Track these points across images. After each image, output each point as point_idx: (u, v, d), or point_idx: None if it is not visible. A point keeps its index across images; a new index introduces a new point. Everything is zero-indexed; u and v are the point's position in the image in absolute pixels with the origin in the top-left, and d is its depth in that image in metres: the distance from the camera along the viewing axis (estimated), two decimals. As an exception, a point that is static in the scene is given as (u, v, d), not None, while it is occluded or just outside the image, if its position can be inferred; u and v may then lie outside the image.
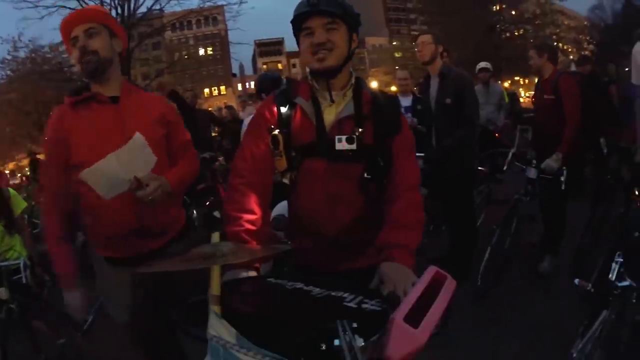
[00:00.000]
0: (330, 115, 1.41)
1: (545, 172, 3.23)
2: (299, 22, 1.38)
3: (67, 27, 1.67)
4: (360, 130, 1.37)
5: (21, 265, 2.32)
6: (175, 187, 1.68)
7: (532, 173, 3.33)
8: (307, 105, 1.41)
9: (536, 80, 3.95)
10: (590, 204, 4.14)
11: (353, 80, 1.44)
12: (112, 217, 1.66)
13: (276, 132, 1.39)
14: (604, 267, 2.01)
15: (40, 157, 14.15)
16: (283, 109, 1.42)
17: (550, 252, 3.55)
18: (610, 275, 1.82)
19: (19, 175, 21.02)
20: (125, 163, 1.59)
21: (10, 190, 2.79)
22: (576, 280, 1.99)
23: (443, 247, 3.65)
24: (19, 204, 2.72)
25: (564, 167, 3.16)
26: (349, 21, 1.36)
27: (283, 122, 1.41)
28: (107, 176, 1.61)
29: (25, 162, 19.78)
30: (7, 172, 19.16)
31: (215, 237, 1.11)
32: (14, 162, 25.61)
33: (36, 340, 2.41)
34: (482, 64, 6.06)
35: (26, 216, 2.82)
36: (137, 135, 1.60)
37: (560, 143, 3.24)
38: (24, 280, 2.31)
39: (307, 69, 1.44)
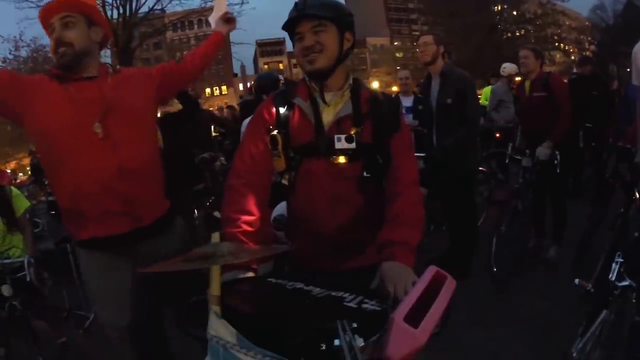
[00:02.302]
0: (328, 116, 1.42)
1: (539, 158, 3.41)
2: (291, 28, 1.39)
3: (45, 15, 1.61)
4: (359, 129, 1.38)
5: (25, 262, 2.30)
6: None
7: (527, 162, 3.48)
8: (305, 106, 1.42)
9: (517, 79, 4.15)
10: (591, 204, 4.15)
11: (351, 81, 1.45)
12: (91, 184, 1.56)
13: (275, 132, 1.40)
14: (604, 267, 2.02)
15: (42, 156, 14.16)
16: (282, 110, 1.43)
17: (555, 241, 3.71)
18: (610, 276, 1.83)
19: (21, 174, 21.07)
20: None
21: (14, 189, 2.79)
22: (576, 281, 2.00)
23: (444, 248, 3.65)
24: (22, 203, 2.72)
25: (557, 152, 3.39)
26: (338, 21, 1.37)
27: (282, 123, 1.42)
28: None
29: (27, 161, 19.80)
30: (8, 170, 19.20)
31: (215, 237, 1.11)
32: (16, 161, 25.66)
33: (36, 339, 2.41)
34: (514, 67, 5.89)
35: (27, 215, 2.80)
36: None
37: (550, 135, 3.44)
38: (27, 278, 2.29)
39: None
